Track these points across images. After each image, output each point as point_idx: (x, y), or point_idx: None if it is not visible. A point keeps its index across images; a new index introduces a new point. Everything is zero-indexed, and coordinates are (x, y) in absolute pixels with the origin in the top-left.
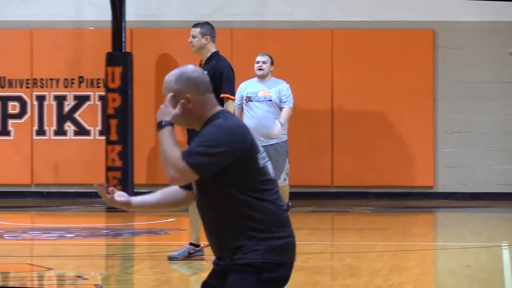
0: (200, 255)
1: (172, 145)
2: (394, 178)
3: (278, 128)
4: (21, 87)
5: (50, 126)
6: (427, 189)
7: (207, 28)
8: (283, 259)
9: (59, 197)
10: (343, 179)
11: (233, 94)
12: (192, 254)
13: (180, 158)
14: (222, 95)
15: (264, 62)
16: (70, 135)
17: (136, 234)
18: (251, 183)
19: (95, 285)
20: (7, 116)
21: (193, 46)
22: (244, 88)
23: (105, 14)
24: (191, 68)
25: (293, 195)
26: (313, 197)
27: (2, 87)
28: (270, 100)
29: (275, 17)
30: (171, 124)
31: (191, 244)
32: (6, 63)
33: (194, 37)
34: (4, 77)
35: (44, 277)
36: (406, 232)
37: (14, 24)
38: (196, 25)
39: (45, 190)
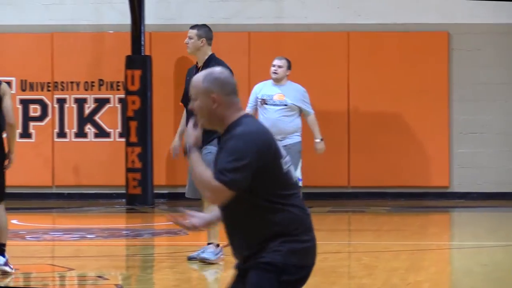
0: (222, 255)
1: (203, 169)
2: (410, 179)
3: (321, 147)
4: (42, 90)
5: (71, 128)
6: (443, 189)
7: (204, 30)
8: (303, 263)
9: (80, 199)
10: (359, 179)
11: None
12: (217, 254)
13: (213, 178)
14: None
15: (279, 66)
16: (91, 137)
17: (156, 235)
18: (276, 188)
19: (116, 285)
20: (28, 118)
21: (188, 47)
22: (259, 89)
23: (125, 18)
24: (219, 69)
25: (310, 196)
26: (330, 198)
27: (24, 90)
28: (286, 105)
29: (292, 21)
30: (196, 147)
31: (211, 243)
32: (27, 67)
33: (190, 38)
34: (26, 80)
35: (66, 278)
36: (422, 232)
37: (36, 28)
38: (193, 26)
39: (66, 191)
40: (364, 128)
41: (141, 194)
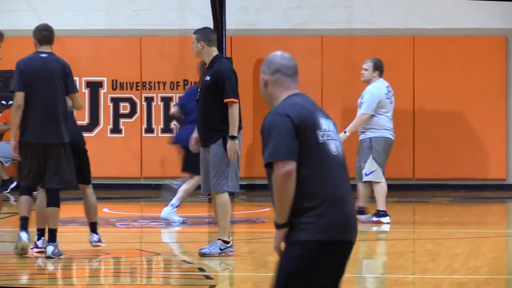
0: (231, 251)
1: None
2: (470, 172)
3: (340, 137)
4: (131, 89)
5: (158, 124)
6: (500, 181)
7: (201, 33)
8: (331, 238)
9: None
10: (423, 172)
11: (236, 97)
12: (223, 250)
13: (277, 173)
14: (225, 100)
15: (365, 69)
16: (175, 132)
17: (235, 223)
18: (307, 158)
19: (199, 268)
20: (119, 115)
21: (194, 51)
22: None
23: (208, 23)
24: (276, 52)
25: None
26: (397, 189)
27: (114, 89)
28: (359, 102)
29: (361, 25)
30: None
31: (219, 239)
32: (118, 68)
33: (193, 42)
34: (116, 80)
35: (152, 261)
36: (481, 221)
37: (126, 32)
38: (195, 31)
39: (153, 182)
40: (428, 125)
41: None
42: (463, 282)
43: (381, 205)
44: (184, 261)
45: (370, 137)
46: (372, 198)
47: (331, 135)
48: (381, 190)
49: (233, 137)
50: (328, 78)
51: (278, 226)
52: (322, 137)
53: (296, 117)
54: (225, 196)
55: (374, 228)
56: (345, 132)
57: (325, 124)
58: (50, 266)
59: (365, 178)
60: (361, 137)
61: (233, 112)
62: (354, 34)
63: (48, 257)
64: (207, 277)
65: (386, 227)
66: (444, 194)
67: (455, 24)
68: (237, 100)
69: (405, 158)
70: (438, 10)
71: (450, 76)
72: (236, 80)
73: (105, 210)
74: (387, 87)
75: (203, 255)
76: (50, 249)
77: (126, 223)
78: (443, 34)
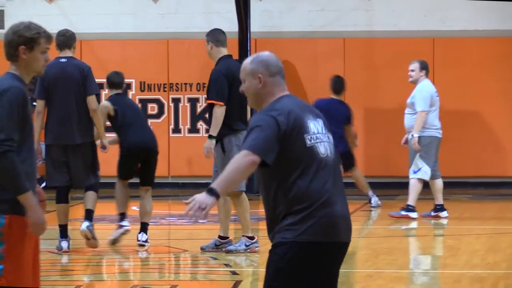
0: (256, 247)
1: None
2: (489, 169)
3: (414, 142)
4: (159, 90)
5: (185, 125)
6: None
7: (210, 35)
8: (320, 240)
9: (193, 188)
10: (444, 170)
11: (219, 99)
12: (219, 246)
13: (243, 155)
14: (206, 101)
15: (412, 70)
16: (202, 132)
17: (260, 220)
18: (295, 162)
19: (225, 264)
20: (147, 116)
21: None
22: None
23: (233, 26)
24: (266, 53)
25: (399, 185)
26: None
27: (143, 91)
28: (408, 103)
29: (382, 27)
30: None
31: (219, 236)
32: (146, 70)
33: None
34: (144, 82)
35: (180, 258)
36: (500, 217)
37: (153, 35)
38: (206, 34)
39: (180, 181)
40: (448, 124)
41: (247, 184)
42: (482, 276)
43: (411, 201)
44: (211, 257)
45: (419, 136)
46: (422, 195)
47: (320, 137)
48: (417, 187)
49: (210, 136)
50: (350, 78)
51: (212, 192)
52: (310, 140)
53: (283, 122)
54: (241, 195)
55: (392, 226)
56: (412, 135)
57: (314, 126)
58: (81, 262)
59: (412, 176)
60: (410, 136)
61: (216, 114)
62: (375, 36)
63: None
64: (233, 273)
65: (444, 221)
66: (464, 191)
67: (473, 26)
68: (219, 103)
69: None
70: (456, 13)
71: (469, 77)
72: (224, 82)
73: (134, 208)
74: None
75: (229, 251)
76: (85, 224)
77: (155, 221)
78: (461, 36)
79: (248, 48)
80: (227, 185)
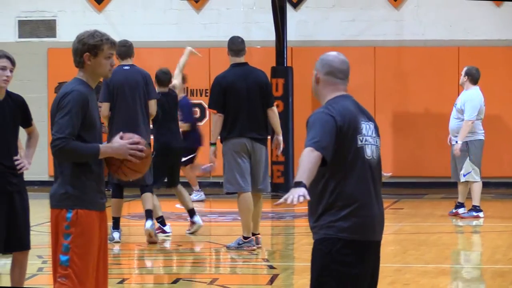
0: (249, 246)
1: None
2: (510, 170)
3: (456, 148)
4: (201, 95)
5: None
6: None
7: (227, 44)
8: (355, 238)
9: None
10: None
11: (213, 107)
12: (241, 245)
13: (307, 150)
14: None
15: (461, 74)
16: None
17: (296, 217)
18: (345, 161)
19: (263, 259)
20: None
21: None
22: None
23: (271, 35)
24: (330, 53)
25: (427, 185)
26: (444, 186)
27: (186, 96)
28: (458, 107)
29: (410, 37)
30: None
31: (243, 236)
32: (189, 76)
33: None
34: (187, 87)
35: (220, 253)
36: None
37: (196, 44)
38: None
39: (220, 180)
40: None
41: (283, 183)
42: (504, 271)
43: (476, 201)
44: (249, 252)
45: (467, 141)
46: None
47: (369, 140)
48: (477, 188)
49: (211, 143)
50: (380, 85)
51: (300, 184)
52: (361, 141)
53: (340, 120)
54: (239, 196)
55: (474, 223)
56: (456, 142)
57: (365, 128)
58: (127, 257)
59: (463, 179)
60: (453, 141)
61: (213, 121)
62: (403, 45)
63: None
64: (271, 267)
65: (479, 221)
66: (487, 191)
67: (495, 36)
68: (213, 111)
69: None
70: (480, 23)
71: (491, 83)
72: (218, 90)
73: (177, 206)
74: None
75: (228, 248)
76: (148, 224)
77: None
78: (485, 45)
79: (285, 56)
80: (308, 174)
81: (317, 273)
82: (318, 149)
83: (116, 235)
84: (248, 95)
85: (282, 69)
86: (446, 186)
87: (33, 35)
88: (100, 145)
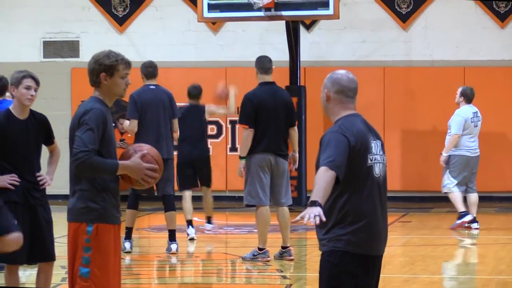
0: (264, 257)
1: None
2: None
3: (440, 160)
4: None
5: (240, 144)
6: None
7: (256, 62)
8: (358, 252)
9: None
10: None
11: (244, 122)
12: (256, 256)
13: (322, 170)
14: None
15: (457, 94)
16: None
17: (308, 229)
18: (355, 178)
19: (277, 269)
20: (207, 136)
21: None
22: None
23: (284, 56)
24: (340, 71)
25: (433, 199)
26: (448, 200)
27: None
28: (449, 124)
29: (418, 57)
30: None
31: (258, 248)
32: (206, 95)
33: None
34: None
35: (236, 263)
36: None
37: (213, 63)
38: None
39: (236, 195)
40: None
41: (296, 197)
42: (507, 282)
43: (460, 209)
44: (264, 263)
45: (449, 155)
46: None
47: (377, 158)
48: (453, 198)
49: (240, 157)
50: (389, 103)
51: (315, 203)
52: (371, 160)
53: (353, 140)
54: (257, 209)
55: (426, 236)
56: (442, 154)
57: (375, 147)
58: (146, 267)
59: (443, 190)
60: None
61: (243, 136)
62: (412, 65)
63: (173, 253)
64: (284, 277)
65: (473, 231)
66: (491, 204)
67: (500, 56)
68: (245, 126)
69: None
70: (485, 44)
71: (495, 101)
72: (250, 106)
73: (195, 219)
74: (474, 112)
75: (244, 259)
76: (174, 246)
77: (214, 230)
78: (489, 65)
79: (298, 75)
80: (323, 194)
81: (326, 283)
82: (332, 168)
83: (127, 245)
84: (275, 112)
85: (295, 88)
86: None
87: (57, 55)
88: (119, 162)
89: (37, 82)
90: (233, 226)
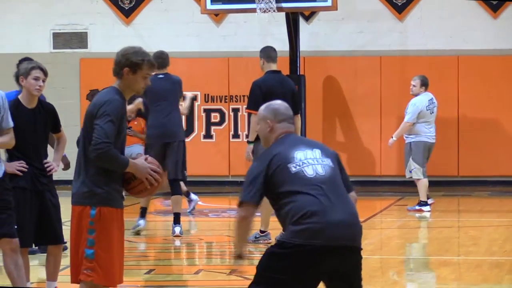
0: (265, 240)
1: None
2: (507, 169)
3: (389, 143)
4: (221, 101)
5: (243, 131)
6: None
7: (262, 51)
8: (306, 242)
9: None
10: (467, 170)
11: (252, 107)
12: (258, 238)
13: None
14: (245, 110)
15: (414, 85)
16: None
17: None
18: (283, 187)
19: None
20: (210, 124)
21: None
22: None
23: (284, 46)
24: (273, 101)
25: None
26: (443, 185)
27: (207, 102)
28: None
29: (414, 47)
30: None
31: (260, 230)
32: (209, 84)
33: None
34: (208, 94)
35: None
36: None
37: (216, 54)
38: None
39: (239, 179)
40: (470, 131)
41: None
42: (500, 262)
43: (422, 197)
44: (265, 245)
45: (410, 142)
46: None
47: (308, 161)
48: (421, 185)
49: (248, 142)
50: (386, 92)
51: (237, 256)
52: (295, 167)
53: (270, 167)
54: None
55: (417, 215)
56: (392, 137)
57: (303, 155)
58: (152, 250)
59: (408, 175)
60: (405, 142)
61: (251, 121)
62: (407, 54)
63: (177, 235)
64: None
65: (427, 214)
66: (484, 188)
67: (492, 45)
68: (254, 111)
69: (451, 158)
70: (478, 33)
71: (489, 89)
72: (258, 93)
73: (200, 203)
74: (430, 99)
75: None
76: (177, 229)
77: (217, 214)
78: (483, 54)
79: (298, 65)
80: (237, 241)
81: (259, 269)
82: (251, 201)
83: (141, 222)
84: (283, 100)
85: (295, 77)
86: (447, 184)
87: (66, 47)
88: (129, 163)
89: (45, 73)
90: (235, 210)
